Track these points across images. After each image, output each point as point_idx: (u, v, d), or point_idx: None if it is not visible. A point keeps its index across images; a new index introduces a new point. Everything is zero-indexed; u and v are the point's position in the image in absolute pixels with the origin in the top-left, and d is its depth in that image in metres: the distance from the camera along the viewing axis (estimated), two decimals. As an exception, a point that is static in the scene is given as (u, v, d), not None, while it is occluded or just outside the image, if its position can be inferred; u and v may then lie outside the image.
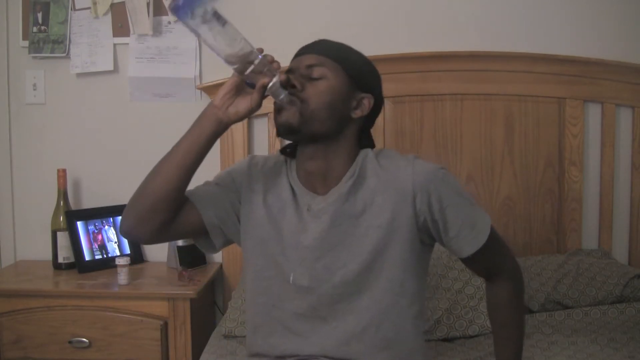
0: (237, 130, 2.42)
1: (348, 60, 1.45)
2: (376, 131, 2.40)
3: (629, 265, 2.37)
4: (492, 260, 1.49)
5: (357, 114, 1.45)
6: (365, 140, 1.50)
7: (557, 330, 2.05)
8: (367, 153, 1.47)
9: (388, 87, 2.38)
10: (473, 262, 1.47)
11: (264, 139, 2.46)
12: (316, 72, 1.42)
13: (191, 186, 1.46)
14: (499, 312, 1.52)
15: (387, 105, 2.41)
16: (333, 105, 1.41)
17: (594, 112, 2.43)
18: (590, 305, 2.16)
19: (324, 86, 1.41)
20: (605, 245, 2.42)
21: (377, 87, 1.51)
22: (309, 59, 1.44)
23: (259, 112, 2.66)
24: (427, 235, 1.44)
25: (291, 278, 1.43)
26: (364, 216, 1.41)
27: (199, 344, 2.17)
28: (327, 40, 1.49)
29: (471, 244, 1.43)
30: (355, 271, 1.40)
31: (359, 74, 1.46)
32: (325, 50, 1.45)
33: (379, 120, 2.37)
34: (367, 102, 1.46)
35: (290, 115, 1.40)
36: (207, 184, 1.53)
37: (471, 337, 2.05)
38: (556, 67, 2.38)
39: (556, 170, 2.42)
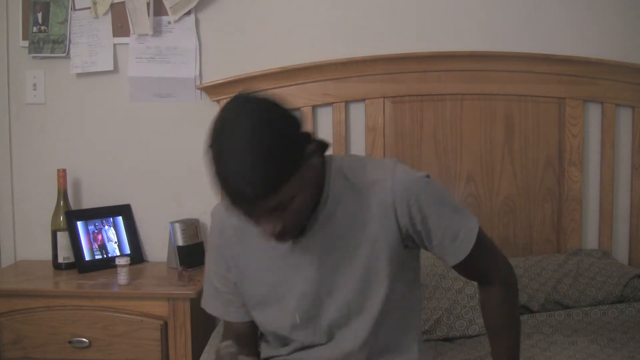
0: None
1: (282, 169, 1.20)
2: (376, 131, 2.42)
3: (629, 265, 2.37)
4: (481, 267, 1.46)
5: (313, 160, 1.28)
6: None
7: (557, 330, 2.05)
8: (331, 173, 1.37)
9: (388, 87, 2.41)
10: (461, 269, 1.45)
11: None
12: (280, 206, 1.23)
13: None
14: (492, 317, 1.50)
15: (387, 105, 2.41)
16: (313, 199, 1.32)
17: (594, 112, 2.43)
18: (590, 305, 2.16)
19: (298, 205, 1.25)
20: (605, 245, 2.42)
21: (304, 141, 1.26)
22: (267, 204, 1.21)
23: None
24: (411, 241, 1.41)
25: (297, 317, 1.43)
26: (350, 235, 1.38)
27: (199, 344, 2.17)
28: (247, 168, 1.18)
29: (455, 255, 1.40)
30: (354, 290, 1.39)
31: (294, 161, 1.22)
32: (265, 186, 1.19)
33: (379, 120, 2.41)
34: (312, 149, 1.27)
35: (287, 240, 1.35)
36: (216, 294, 1.52)
37: (471, 337, 2.05)
38: (556, 67, 2.37)
39: (556, 170, 2.42)
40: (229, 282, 1.49)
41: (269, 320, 1.48)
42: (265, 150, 1.18)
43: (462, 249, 1.39)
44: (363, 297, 1.40)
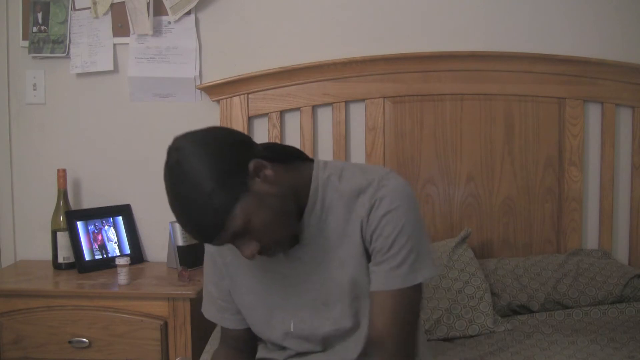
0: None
1: (217, 211, 1.21)
2: (376, 131, 2.42)
3: (629, 265, 2.37)
4: (393, 321, 1.32)
5: (269, 180, 1.26)
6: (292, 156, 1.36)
7: (557, 330, 2.05)
8: (321, 177, 1.35)
9: (388, 87, 2.41)
10: (385, 299, 1.32)
11: (264, 139, 2.46)
12: (238, 234, 1.25)
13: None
14: None
15: (387, 105, 2.41)
16: (286, 210, 1.29)
17: (594, 112, 2.43)
18: (590, 305, 2.16)
19: (260, 225, 1.25)
20: (605, 245, 2.42)
21: (241, 168, 1.24)
22: (221, 239, 1.25)
23: (259, 112, 2.67)
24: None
25: (291, 326, 1.42)
26: (340, 248, 1.36)
27: (199, 344, 2.17)
28: (187, 218, 1.24)
29: (402, 278, 1.32)
30: (347, 303, 1.38)
31: (232, 196, 1.21)
32: (207, 232, 1.24)
33: (379, 120, 2.41)
34: (259, 165, 1.25)
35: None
36: (211, 299, 1.52)
37: (471, 337, 2.05)
38: (556, 67, 2.38)
39: (556, 170, 2.42)
40: (223, 289, 1.49)
41: (262, 328, 1.47)
42: (197, 200, 1.20)
43: (416, 275, 1.32)
44: (356, 308, 1.38)
